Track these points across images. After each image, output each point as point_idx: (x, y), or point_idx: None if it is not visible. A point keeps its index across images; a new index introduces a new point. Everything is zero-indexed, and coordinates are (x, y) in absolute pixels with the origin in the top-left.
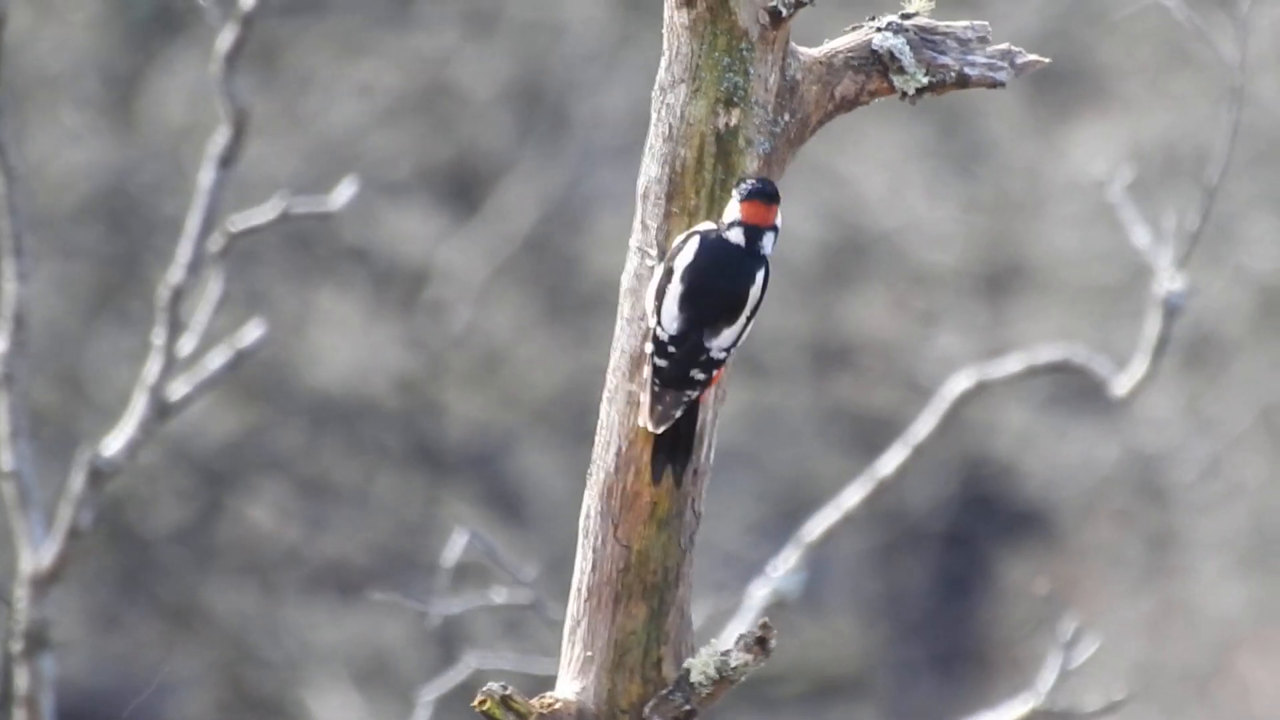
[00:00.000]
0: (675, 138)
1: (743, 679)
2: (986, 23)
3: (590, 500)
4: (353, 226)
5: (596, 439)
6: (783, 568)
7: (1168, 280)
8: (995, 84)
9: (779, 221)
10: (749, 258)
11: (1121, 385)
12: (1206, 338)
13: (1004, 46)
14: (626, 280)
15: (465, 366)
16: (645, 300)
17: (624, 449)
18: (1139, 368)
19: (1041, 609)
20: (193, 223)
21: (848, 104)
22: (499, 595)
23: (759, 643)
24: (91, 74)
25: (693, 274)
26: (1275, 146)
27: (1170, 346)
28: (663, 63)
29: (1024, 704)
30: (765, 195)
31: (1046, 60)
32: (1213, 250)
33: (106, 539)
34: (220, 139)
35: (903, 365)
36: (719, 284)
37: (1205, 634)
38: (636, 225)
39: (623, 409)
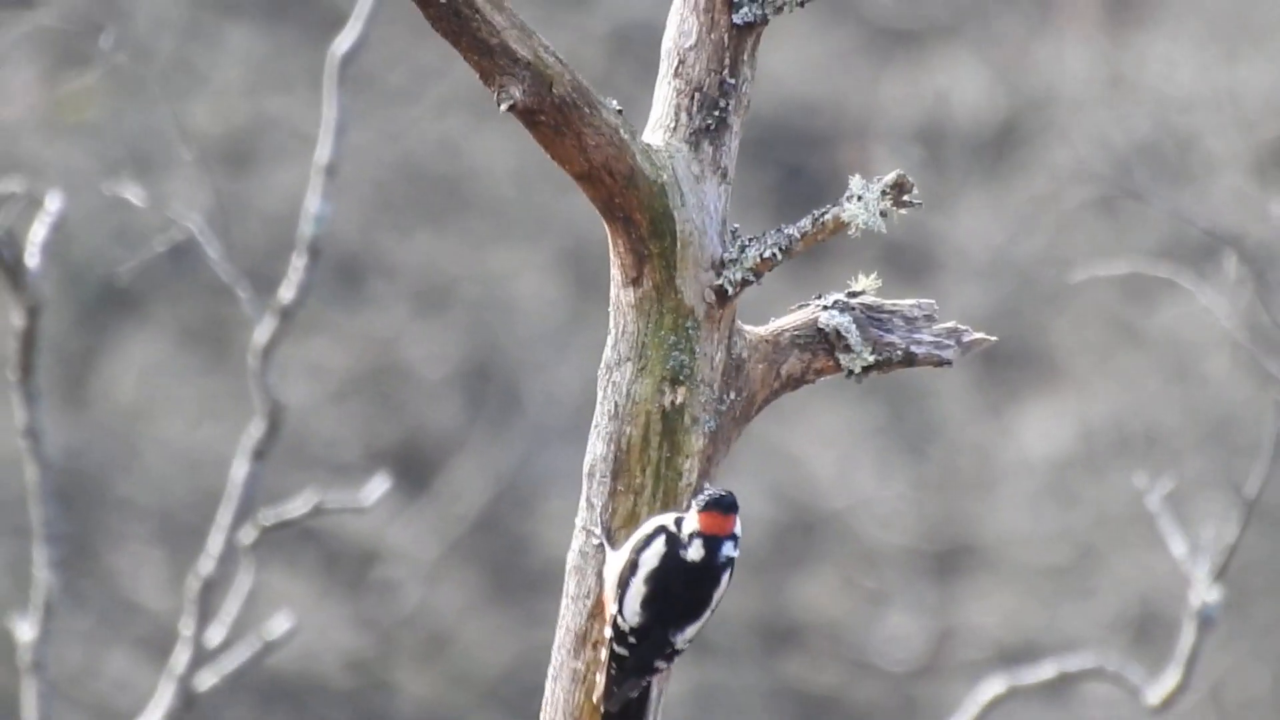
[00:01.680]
0: (621, 415)
1: None
2: (933, 301)
3: None
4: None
5: (541, 716)
6: None
7: (1204, 592)
8: (942, 362)
9: (738, 529)
10: (713, 567)
11: (1155, 695)
12: (1158, 615)
13: (950, 324)
14: (572, 558)
15: (415, 645)
16: (604, 582)
17: None
18: (1172, 677)
19: None
20: (225, 514)
21: (794, 382)
22: None
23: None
24: (44, 353)
25: (657, 581)
26: (1224, 425)
27: (1199, 656)
28: (609, 340)
29: None
30: (722, 505)
31: (993, 339)
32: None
33: None
34: (255, 431)
35: (852, 644)
36: (684, 592)
37: None
38: (582, 503)
39: (567, 686)
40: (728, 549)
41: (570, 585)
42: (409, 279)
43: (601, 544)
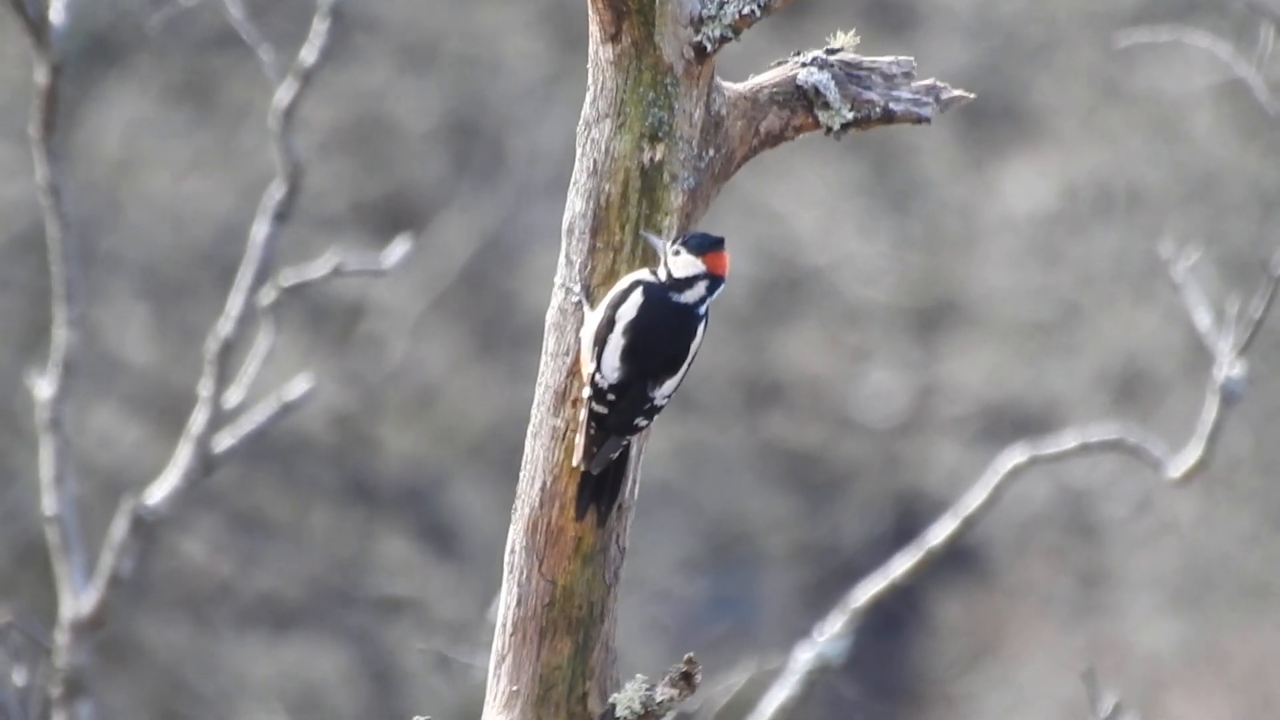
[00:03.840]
0: (600, 173)
1: (668, 714)
2: (911, 58)
3: (515, 535)
4: (287, 262)
5: (521, 474)
6: (828, 632)
7: (1227, 366)
8: (920, 119)
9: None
10: (692, 315)
11: (1176, 468)
12: (1141, 372)
13: (929, 82)
14: (551, 315)
15: (400, 401)
16: (581, 342)
17: (549, 484)
18: (1194, 451)
19: (974, 646)
20: (245, 275)
21: (773, 139)
22: None
23: (684, 678)
24: (25, 107)
25: (636, 331)
26: (1208, 182)
27: (1223, 428)
28: (588, 97)
29: None
30: (721, 244)
31: (971, 95)
32: (1148, 288)
33: (39, 573)
34: (275, 193)
35: (834, 401)
36: (663, 343)
37: (1136, 672)
38: (561, 260)
39: (547, 444)
40: (717, 292)
41: (550, 342)
42: (394, 34)
43: (580, 301)
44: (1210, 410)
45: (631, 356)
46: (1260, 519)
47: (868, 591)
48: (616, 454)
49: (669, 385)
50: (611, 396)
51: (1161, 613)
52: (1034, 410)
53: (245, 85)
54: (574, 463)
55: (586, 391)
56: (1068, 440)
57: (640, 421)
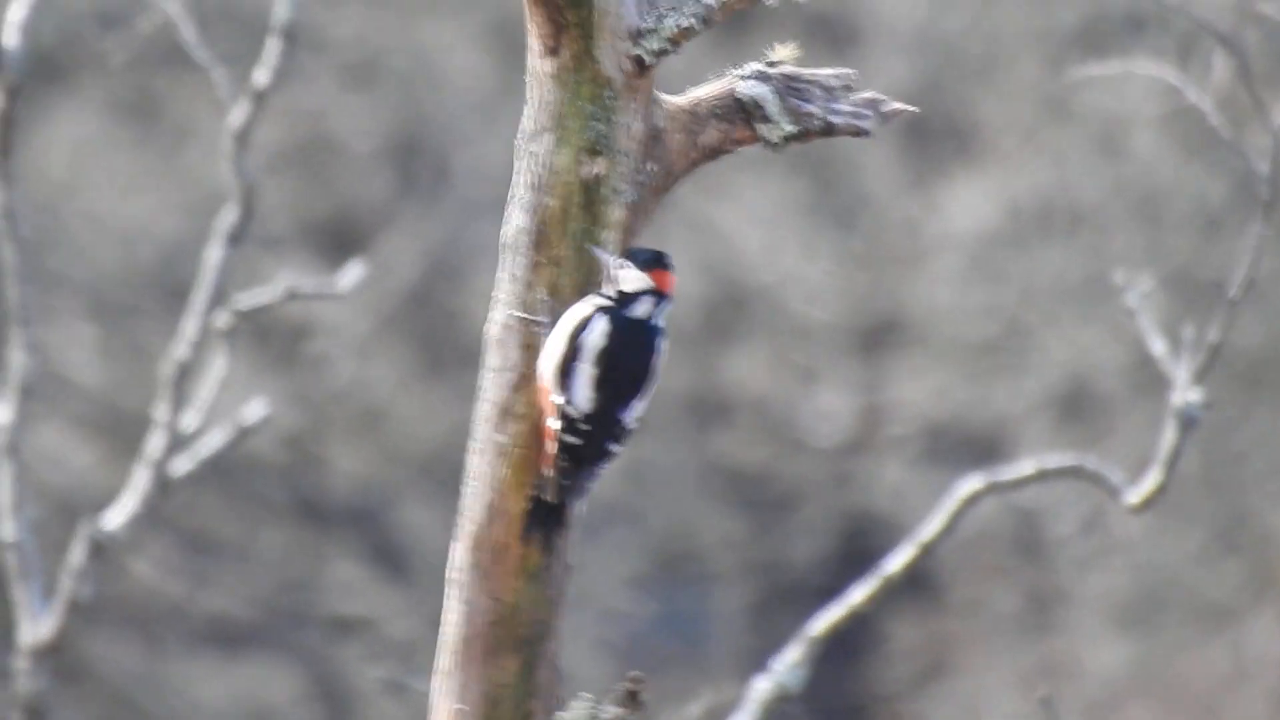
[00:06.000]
0: (541, 187)
1: None
2: (851, 71)
3: (459, 553)
4: (232, 283)
5: (464, 491)
6: (785, 661)
7: (1184, 392)
8: (860, 132)
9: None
10: (652, 330)
11: (1134, 495)
12: (1086, 390)
13: (869, 94)
14: (495, 331)
15: (347, 420)
16: (541, 373)
17: (493, 501)
18: (1153, 478)
19: (924, 665)
20: (199, 299)
21: (712, 152)
22: None
23: (630, 696)
24: None
25: (608, 358)
26: (1151, 200)
27: (1180, 456)
28: (527, 111)
29: None
30: (667, 263)
31: (911, 108)
32: (1094, 305)
33: None
34: (228, 215)
35: (781, 421)
36: (632, 365)
37: (1086, 692)
38: (502, 276)
39: (491, 460)
40: (665, 308)
41: (493, 358)
42: (338, 51)
43: (527, 320)
44: (1168, 435)
45: (604, 384)
46: (1210, 538)
47: (825, 619)
48: (590, 484)
49: (639, 407)
50: (585, 426)
51: (1111, 632)
52: (981, 429)
53: (191, 103)
54: (547, 498)
55: (556, 424)
56: (1025, 467)
57: (614, 447)
